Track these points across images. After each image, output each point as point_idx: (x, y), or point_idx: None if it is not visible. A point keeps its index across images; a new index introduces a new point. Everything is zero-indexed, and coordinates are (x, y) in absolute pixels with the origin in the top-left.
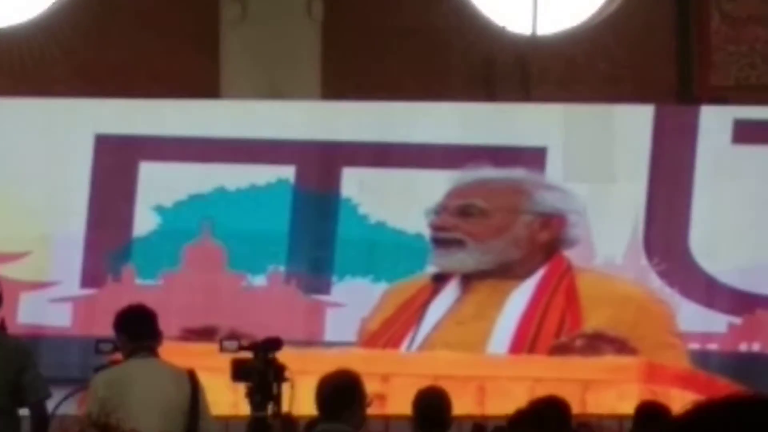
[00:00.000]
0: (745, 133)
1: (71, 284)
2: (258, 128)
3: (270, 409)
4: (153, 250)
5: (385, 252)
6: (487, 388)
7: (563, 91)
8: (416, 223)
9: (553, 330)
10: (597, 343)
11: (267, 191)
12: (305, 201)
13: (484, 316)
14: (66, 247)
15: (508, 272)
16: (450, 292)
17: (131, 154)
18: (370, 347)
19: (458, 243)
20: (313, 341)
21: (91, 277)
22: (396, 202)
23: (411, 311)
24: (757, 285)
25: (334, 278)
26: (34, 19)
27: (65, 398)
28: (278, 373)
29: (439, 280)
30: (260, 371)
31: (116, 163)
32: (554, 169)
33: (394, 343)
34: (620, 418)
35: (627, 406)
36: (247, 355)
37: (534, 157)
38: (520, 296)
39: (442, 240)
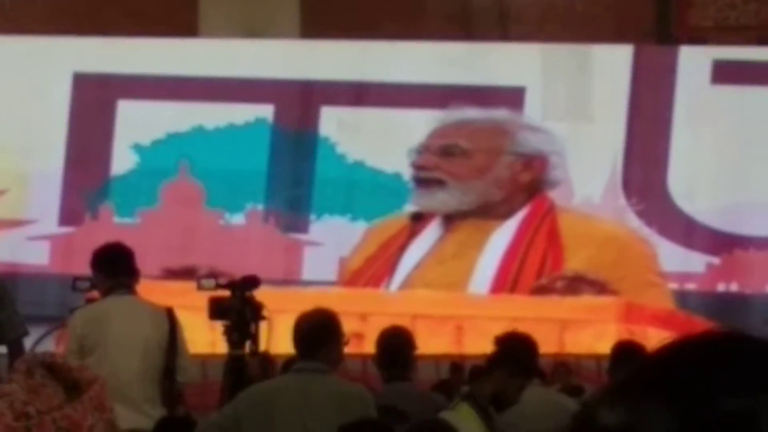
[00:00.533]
0: (724, 73)
1: (49, 222)
2: (236, 67)
3: (247, 347)
4: (131, 188)
5: (363, 191)
6: (465, 327)
7: (541, 31)
8: (394, 162)
9: (534, 270)
10: (577, 285)
11: (245, 130)
12: (283, 140)
13: (465, 256)
14: (44, 185)
15: (489, 212)
16: (432, 231)
17: (109, 93)
18: (352, 285)
19: (439, 183)
20: (290, 280)
21: (68, 215)
22: (374, 141)
23: (392, 250)
24: (736, 225)
25: (312, 217)
26: None
27: (43, 336)
28: (256, 311)
29: (419, 219)
30: (238, 310)
31: (94, 101)
32: (533, 109)
33: (375, 281)
34: (598, 358)
35: (604, 346)
36: (225, 293)
37: (512, 97)
38: (501, 236)
39: (424, 179)
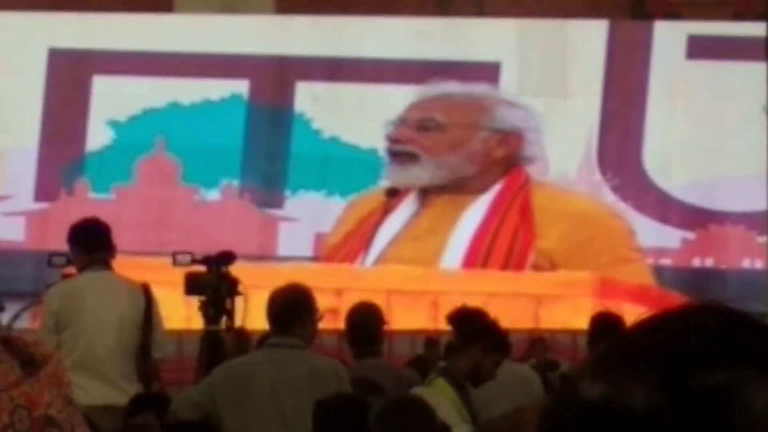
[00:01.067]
0: (699, 48)
1: (24, 198)
2: (212, 42)
3: (223, 322)
4: (106, 164)
5: (338, 166)
6: (441, 302)
7: (516, 7)
8: (369, 137)
9: (505, 246)
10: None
11: (220, 106)
12: (259, 115)
13: (439, 231)
14: (19, 160)
15: (463, 187)
16: (407, 206)
17: (85, 68)
18: (330, 261)
19: (412, 157)
20: (266, 255)
21: (44, 190)
22: (349, 116)
23: (369, 225)
24: (711, 200)
25: (288, 192)
26: None
27: (20, 312)
28: (231, 287)
29: (394, 194)
30: (213, 285)
31: (70, 77)
32: (508, 84)
33: (351, 257)
34: (573, 333)
35: (580, 321)
36: (201, 269)
37: (488, 72)
38: (474, 211)
39: (398, 153)
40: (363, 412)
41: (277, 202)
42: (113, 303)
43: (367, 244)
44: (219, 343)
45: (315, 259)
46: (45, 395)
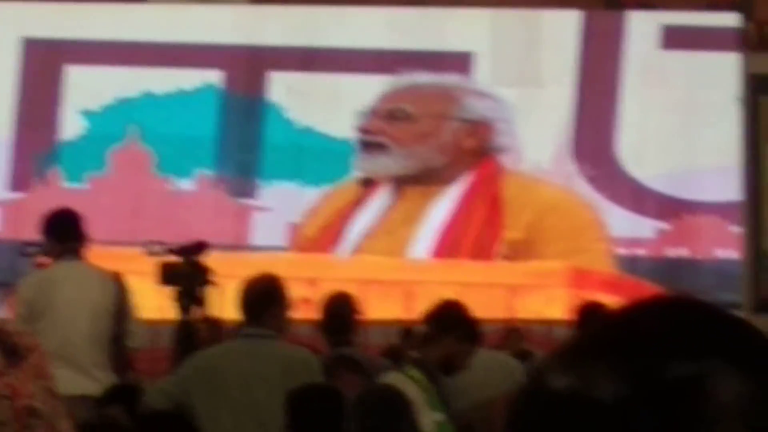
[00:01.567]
0: (673, 38)
1: None
2: (185, 32)
3: (197, 312)
4: (80, 153)
5: (312, 156)
6: (415, 292)
7: None
8: (343, 127)
9: (474, 236)
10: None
11: (194, 95)
12: (232, 105)
13: (410, 223)
14: None
15: (434, 178)
16: (381, 198)
17: (58, 58)
18: (306, 253)
19: (381, 147)
20: (240, 245)
21: (18, 180)
22: (323, 106)
23: (344, 218)
24: (685, 190)
25: (261, 182)
26: None
27: None
28: (205, 277)
29: (368, 185)
30: (187, 275)
31: (43, 66)
32: (482, 74)
33: (327, 249)
34: (548, 323)
35: (554, 311)
36: (174, 258)
37: (461, 62)
38: (443, 203)
39: (367, 143)
40: (335, 401)
41: (251, 192)
42: (86, 293)
43: (341, 236)
44: (193, 332)
45: (289, 248)
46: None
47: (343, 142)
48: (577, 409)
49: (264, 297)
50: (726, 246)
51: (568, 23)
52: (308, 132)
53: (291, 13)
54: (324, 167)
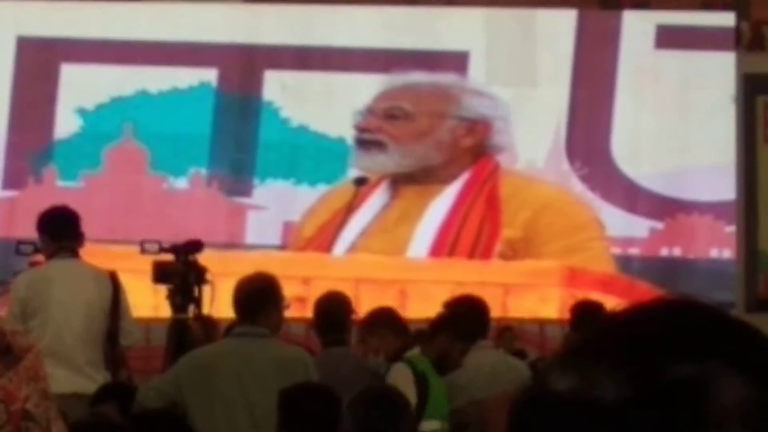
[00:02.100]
0: (667, 38)
1: None
2: (180, 31)
3: (191, 311)
4: (74, 152)
5: (306, 155)
6: (409, 291)
7: None
8: (338, 126)
9: (471, 236)
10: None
11: (189, 94)
12: (227, 104)
13: (407, 223)
14: None
15: (431, 177)
16: (378, 197)
17: (53, 56)
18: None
19: (379, 145)
20: (234, 243)
21: (12, 178)
22: (318, 105)
23: (341, 217)
24: (679, 190)
25: (256, 181)
26: None
27: None
28: (199, 275)
29: (363, 183)
30: (181, 273)
31: (38, 65)
32: (477, 74)
33: (324, 248)
34: (541, 322)
35: (547, 310)
36: (169, 257)
37: (456, 61)
38: (441, 202)
39: (365, 141)
40: (328, 401)
41: (245, 191)
42: (80, 291)
43: (338, 236)
44: (186, 331)
45: (283, 247)
46: (23, 389)
47: (338, 141)
48: (579, 411)
49: (259, 296)
50: (720, 245)
51: (562, 22)
52: (303, 131)
53: (286, 11)
54: (318, 166)
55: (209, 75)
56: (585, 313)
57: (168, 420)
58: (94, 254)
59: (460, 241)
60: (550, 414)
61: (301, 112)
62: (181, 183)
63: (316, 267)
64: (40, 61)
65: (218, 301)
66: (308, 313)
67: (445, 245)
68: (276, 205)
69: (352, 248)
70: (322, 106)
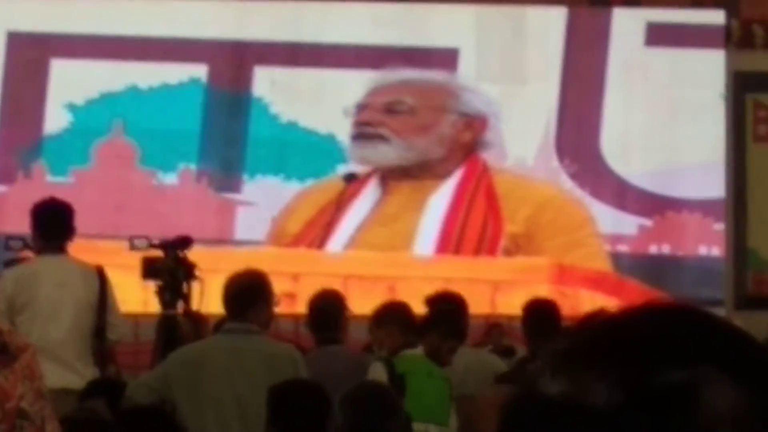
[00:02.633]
0: (657, 35)
1: None
2: (170, 26)
3: (180, 307)
4: (64, 147)
5: (296, 151)
6: (398, 288)
7: None
8: (328, 122)
9: (477, 232)
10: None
11: (179, 90)
12: (217, 100)
13: (407, 218)
14: None
15: (427, 171)
16: (370, 192)
17: (43, 51)
18: (288, 246)
19: (382, 138)
20: (223, 239)
21: (1, 173)
22: (307, 101)
23: (332, 212)
24: (668, 187)
25: (245, 177)
26: None
27: None
28: (188, 271)
29: (352, 180)
30: (170, 269)
31: (28, 60)
32: (467, 70)
33: (318, 245)
34: None
35: None
36: (158, 253)
37: (446, 58)
38: (441, 196)
39: (367, 135)
40: (318, 398)
41: (235, 187)
42: (68, 286)
43: (331, 231)
44: (175, 327)
45: (275, 245)
46: (18, 387)
47: (328, 137)
48: (570, 415)
49: (248, 292)
50: (709, 243)
51: (552, 20)
52: (293, 127)
53: (276, 8)
54: (308, 162)
55: (199, 71)
56: (537, 312)
57: (156, 416)
58: (83, 250)
59: (465, 237)
60: (541, 418)
61: (291, 108)
62: (171, 179)
63: (305, 263)
64: (30, 56)
65: (207, 297)
66: (298, 309)
67: (451, 241)
68: (265, 201)
69: (351, 244)
70: (312, 102)
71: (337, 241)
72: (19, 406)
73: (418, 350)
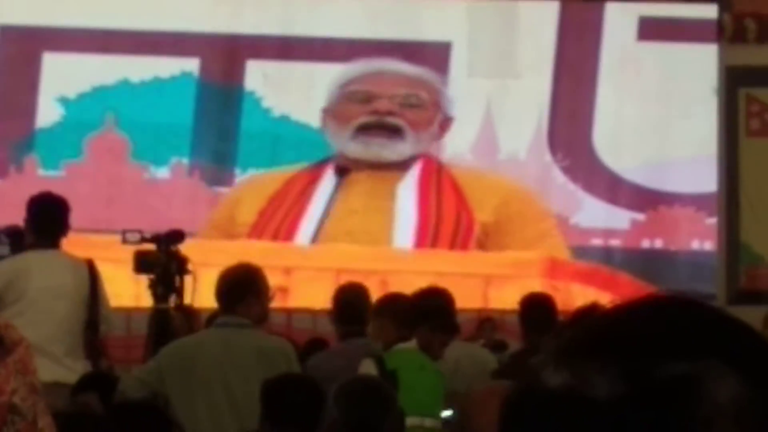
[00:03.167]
0: (650, 30)
1: None
2: (162, 20)
3: (172, 301)
4: (56, 141)
5: (288, 145)
6: (390, 282)
7: None
8: (319, 116)
9: (452, 222)
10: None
11: (171, 83)
12: (209, 93)
13: (377, 209)
14: None
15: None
16: (326, 182)
17: (35, 45)
18: (255, 238)
19: (398, 131)
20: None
21: None
22: (300, 95)
23: (290, 202)
24: (660, 182)
25: (238, 170)
26: None
27: None
28: (181, 265)
29: (344, 174)
30: (163, 263)
31: (20, 53)
32: (459, 64)
33: (286, 236)
34: None
35: None
36: (150, 247)
37: (438, 52)
38: (406, 188)
39: (386, 125)
40: (311, 392)
41: (227, 180)
42: (58, 280)
43: (296, 222)
44: (168, 321)
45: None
46: (11, 382)
47: (320, 131)
48: (572, 407)
49: (239, 286)
50: (701, 237)
51: (545, 14)
52: (284, 120)
53: (268, 1)
54: (300, 155)
55: (191, 65)
56: (535, 306)
57: (149, 410)
58: (75, 244)
59: (441, 229)
60: (543, 410)
61: (283, 101)
62: (163, 172)
63: (297, 257)
64: (22, 49)
65: (200, 291)
66: (289, 303)
67: (428, 233)
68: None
69: (324, 236)
70: (304, 95)
71: (304, 233)
72: (11, 402)
73: (412, 343)
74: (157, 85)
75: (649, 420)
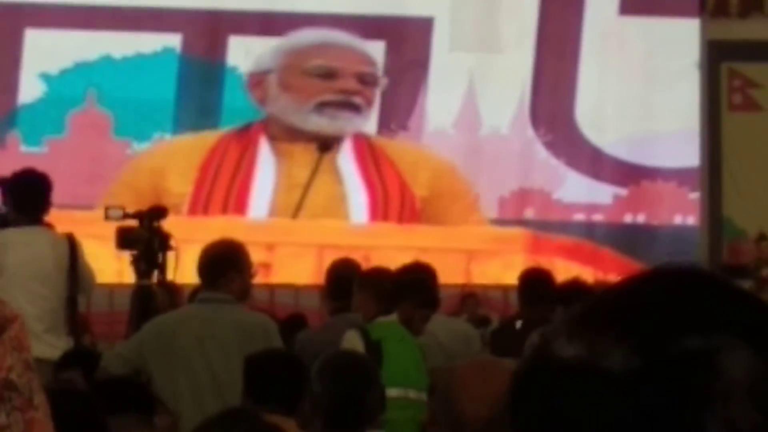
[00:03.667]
0: (632, 4)
1: None
2: None
3: (155, 277)
4: (38, 117)
5: None
6: (373, 257)
7: None
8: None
9: (397, 197)
10: None
11: (153, 59)
12: (191, 69)
13: (322, 182)
14: None
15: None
16: (264, 151)
17: (17, 21)
18: (193, 214)
19: (358, 108)
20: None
21: None
22: None
23: (229, 173)
24: (643, 156)
25: None
26: None
27: None
28: (163, 241)
29: (327, 149)
30: (145, 239)
31: (1, 30)
32: (441, 39)
33: (237, 209)
34: (504, 289)
35: (511, 276)
36: (133, 223)
37: (421, 27)
38: (345, 162)
39: (351, 103)
40: (294, 368)
41: None
42: (38, 256)
43: (243, 194)
44: (150, 297)
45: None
46: (6, 359)
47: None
48: (585, 379)
49: (221, 262)
50: (684, 212)
51: None
52: None
53: None
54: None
55: (173, 40)
56: (533, 281)
57: (132, 386)
58: (57, 220)
59: (389, 202)
60: (556, 380)
61: None
62: (145, 148)
63: (280, 233)
64: (4, 26)
65: (182, 267)
66: (272, 279)
67: (377, 206)
68: None
69: (277, 210)
70: None
71: (257, 206)
72: (7, 378)
73: (393, 317)
74: (139, 60)
75: (663, 394)
